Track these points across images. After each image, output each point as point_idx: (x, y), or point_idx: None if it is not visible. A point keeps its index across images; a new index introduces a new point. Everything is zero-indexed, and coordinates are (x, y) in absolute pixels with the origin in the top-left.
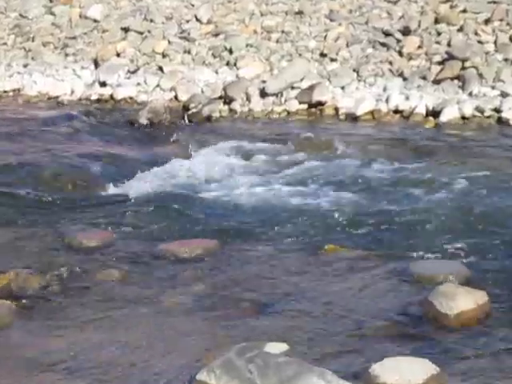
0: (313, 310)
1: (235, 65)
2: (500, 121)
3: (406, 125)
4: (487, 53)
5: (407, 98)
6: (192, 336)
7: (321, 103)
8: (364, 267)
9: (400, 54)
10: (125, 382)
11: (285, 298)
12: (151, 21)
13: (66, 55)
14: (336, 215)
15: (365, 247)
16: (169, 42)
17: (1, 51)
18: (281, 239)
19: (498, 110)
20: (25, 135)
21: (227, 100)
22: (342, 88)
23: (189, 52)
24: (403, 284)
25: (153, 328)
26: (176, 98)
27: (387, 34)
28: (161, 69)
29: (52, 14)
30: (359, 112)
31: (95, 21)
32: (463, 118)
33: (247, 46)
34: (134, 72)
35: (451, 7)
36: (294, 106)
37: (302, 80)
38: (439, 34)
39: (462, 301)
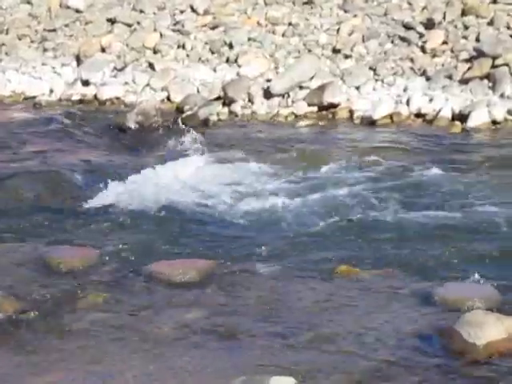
0: (323, 340)
1: (236, 61)
2: None
3: (429, 130)
4: None
5: (431, 100)
6: (184, 370)
7: (333, 105)
8: (381, 291)
9: (422, 50)
10: None
11: (290, 326)
12: (141, 11)
13: (45, 50)
14: (348, 232)
15: (382, 268)
16: (161, 36)
17: None
18: (286, 260)
19: None
20: None
21: (227, 101)
22: (357, 88)
23: (183, 47)
24: (425, 309)
25: (139, 361)
26: (168, 98)
27: (408, 27)
28: (151, 66)
29: (29, 3)
30: (376, 116)
31: (77, 11)
32: (494, 122)
33: (249, 40)
34: (121, 69)
35: None
36: (303, 108)
37: (311, 79)
38: (467, 27)
39: (491, 329)
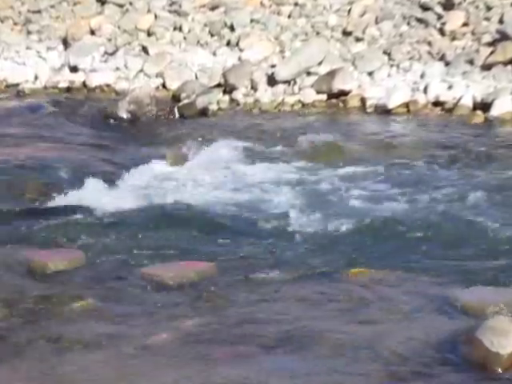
0: (334, 349)
1: (237, 45)
2: None
3: (448, 120)
4: None
5: (450, 87)
6: (180, 381)
7: (343, 93)
8: (397, 295)
9: (441, 32)
10: None
11: (296, 333)
12: None
13: (29, 33)
14: (361, 232)
15: (398, 270)
16: (155, 17)
17: None
18: (294, 262)
19: None
20: None
21: (227, 88)
22: (370, 74)
23: (180, 29)
24: (444, 315)
25: (131, 372)
26: (164, 85)
27: (425, 7)
28: (145, 50)
29: None
30: (391, 104)
31: None
32: None
33: (252, 21)
34: (112, 54)
35: None
36: (311, 96)
37: (319, 64)
38: (489, 8)
39: None
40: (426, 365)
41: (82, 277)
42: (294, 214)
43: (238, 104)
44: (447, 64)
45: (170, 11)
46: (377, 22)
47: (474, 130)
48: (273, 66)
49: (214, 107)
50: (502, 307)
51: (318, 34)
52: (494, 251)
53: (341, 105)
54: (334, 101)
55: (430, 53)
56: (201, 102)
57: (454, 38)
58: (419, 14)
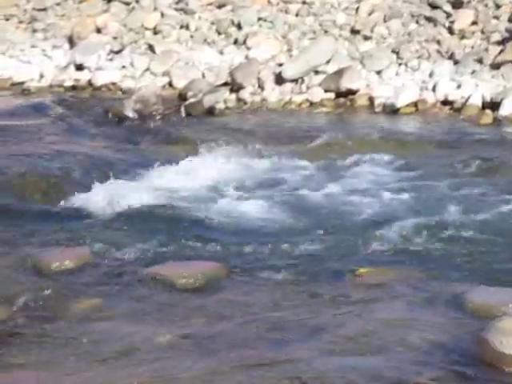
0: (342, 349)
1: (245, 43)
2: None
3: (456, 120)
4: None
5: (459, 87)
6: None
7: (351, 92)
8: (405, 294)
9: (450, 31)
10: None
11: (306, 335)
12: None
13: (34, 31)
14: (368, 231)
15: (405, 270)
16: (161, 15)
17: None
18: (303, 262)
19: None
20: None
21: (234, 87)
22: (378, 73)
23: (187, 27)
24: (453, 316)
25: (137, 374)
26: (170, 84)
27: (434, 6)
28: (151, 48)
29: None
30: (399, 103)
31: None
32: None
33: (260, 19)
34: (117, 52)
35: None
36: (318, 94)
37: (327, 63)
38: (498, 6)
39: None
40: (434, 365)
41: (88, 275)
42: (303, 214)
43: (245, 103)
44: (456, 63)
45: (176, 9)
46: (385, 20)
47: (482, 130)
48: (280, 65)
49: (220, 106)
50: (511, 307)
51: (326, 32)
52: (504, 251)
53: (349, 104)
54: (341, 100)
55: (438, 51)
56: (208, 101)
57: (462, 37)
58: (428, 12)
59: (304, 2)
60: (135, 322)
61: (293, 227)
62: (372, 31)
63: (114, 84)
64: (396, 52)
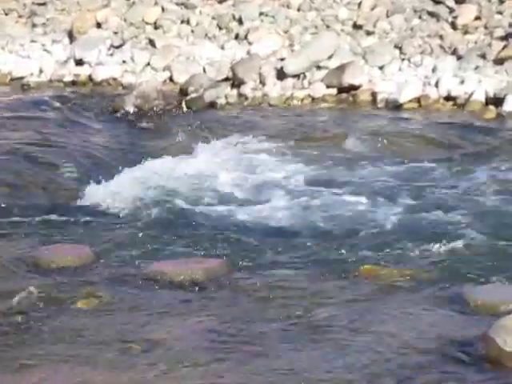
0: (346, 346)
1: (246, 38)
2: None
3: (459, 115)
4: None
5: (462, 82)
6: (191, 381)
7: (354, 87)
8: (409, 293)
9: (453, 26)
10: None
11: (308, 332)
12: None
13: (34, 26)
14: (373, 229)
15: (410, 268)
16: (162, 10)
17: None
18: (305, 259)
19: None
20: None
21: (236, 82)
22: (381, 68)
23: (187, 22)
24: (457, 314)
25: (139, 372)
26: (171, 79)
27: (437, 1)
28: (152, 43)
29: None
30: (402, 99)
31: None
32: None
33: (261, 14)
34: (118, 47)
35: None
36: (320, 90)
37: (329, 58)
38: (502, 1)
39: None
40: (439, 362)
41: (89, 273)
42: (305, 211)
43: (247, 98)
44: (459, 58)
45: (177, 4)
46: (388, 15)
47: (486, 126)
48: (282, 60)
49: (222, 101)
50: None
51: (328, 27)
52: (507, 251)
53: (351, 99)
54: (344, 95)
55: (441, 47)
56: (209, 96)
57: (466, 32)
58: (430, 7)
59: None
60: (137, 320)
61: (295, 224)
62: (374, 26)
63: (114, 79)
64: (399, 47)
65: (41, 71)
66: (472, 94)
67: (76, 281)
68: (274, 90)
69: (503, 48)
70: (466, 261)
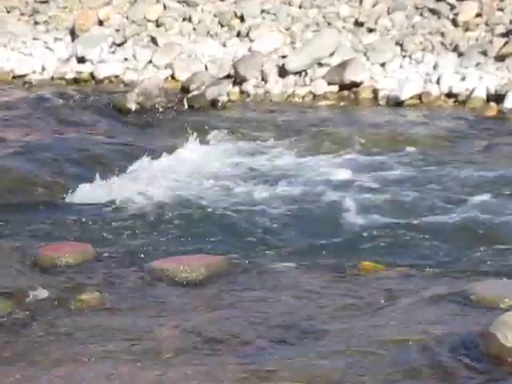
0: (346, 345)
1: (248, 36)
2: None
3: (461, 112)
4: None
5: (463, 79)
6: (190, 380)
7: (355, 84)
8: (409, 288)
9: (454, 23)
10: None
11: (310, 330)
12: None
13: (36, 23)
14: (372, 225)
15: (409, 263)
16: (164, 7)
17: None
18: (306, 254)
19: None
20: None
21: (238, 80)
22: (382, 65)
23: (189, 19)
24: (458, 309)
25: (139, 368)
26: (173, 77)
27: None
28: (154, 41)
29: None
30: (404, 96)
31: None
32: None
33: (263, 12)
34: (120, 45)
35: None
36: (322, 87)
37: (331, 55)
38: None
39: None
40: (440, 359)
41: (91, 270)
42: (306, 207)
43: (249, 95)
44: (460, 55)
45: (178, 1)
46: (389, 12)
47: (487, 122)
48: (283, 57)
49: (223, 99)
50: None
51: (329, 24)
52: (508, 245)
53: (352, 96)
54: (345, 92)
55: (442, 44)
56: (210, 94)
57: (467, 29)
58: (432, 4)
59: None
60: (138, 317)
61: (296, 220)
62: (376, 23)
63: (116, 77)
64: (400, 44)
65: (43, 69)
66: (473, 90)
67: (78, 278)
68: (276, 87)
69: (504, 45)
70: (468, 256)
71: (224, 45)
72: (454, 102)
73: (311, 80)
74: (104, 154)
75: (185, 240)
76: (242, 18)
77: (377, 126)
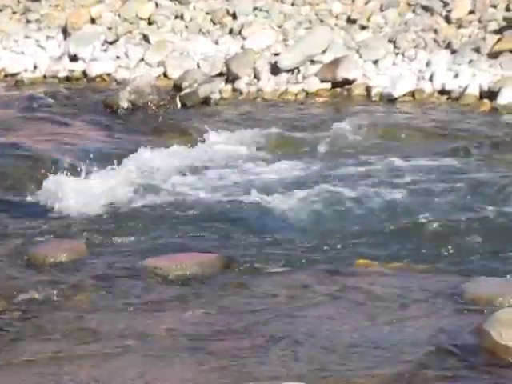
0: (339, 341)
1: (240, 33)
2: None
3: (454, 109)
4: None
5: (456, 76)
6: (184, 377)
7: (348, 82)
8: (404, 286)
9: (447, 20)
10: None
11: (303, 327)
12: None
13: (28, 22)
14: (366, 224)
15: (404, 261)
16: (156, 5)
17: None
18: (300, 252)
19: None
20: None
21: (230, 77)
22: (375, 63)
23: (181, 17)
24: (453, 307)
25: (132, 367)
26: (165, 75)
27: None
28: (146, 38)
29: None
30: (396, 93)
31: None
32: None
33: (255, 9)
34: (112, 43)
35: None
36: (315, 84)
37: (324, 53)
38: None
39: None
40: (433, 357)
41: (83, 269)
42: (300, 204)
43: (241, 93)
44: (453, 52)
45: None
46: (381, 9)
47: (480, 119)
48: (276, 55)
49: (216, 96)
50: (510, 298)
51: (321, 21)
52: (502, 242)
53: (345, 93)
54: (338, 90)
55: (435, 41)
56: (203, 91)
57: (460, 26)
58: (424, 1)
59: None
60: (132, 315)
61: (290, 218)
62: (368, 20)
63: (108, 75)
64: (392, 41)
65: (35, 67)
66: (466, 87)
67: (71, 276)
68: (269, 84)
69: (497, 41)
70: (463, 254)
71: (216, 42)
72: (447, 98)
73: (304, 77)
74: (95, 152)
75: (178, 237)
76: (234, 16)
77: (369, 124)
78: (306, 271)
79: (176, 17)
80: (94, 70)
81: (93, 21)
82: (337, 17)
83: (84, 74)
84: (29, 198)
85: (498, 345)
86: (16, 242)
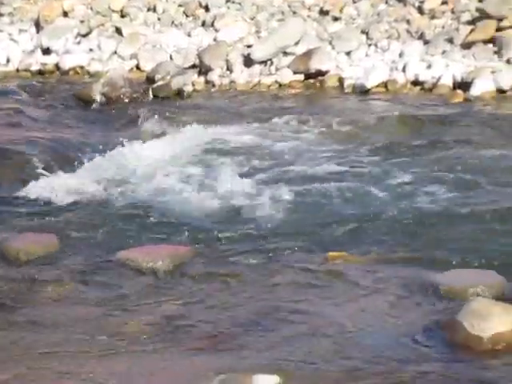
0: (311, 334)
1: (213, 25)
2: None
3: (427, 100)
4: None
5: (429, 67)
6: (156, 369)
7: (321, 73)
8: (376, 278)
9: (420, 10)
10: None
11: (275, 319)
12: None
13: (0, 15)
14: (339, 216)
15: (376, 254)
16: None
17: None
18: (273, 244)
19: None
20: None
21: (203, 70)
22: (348, 54)
23: (154, 9)
24: (425, 298)
25: (106, 359)
26: (138, 67)
27: None
28: (119, 31)
29: None
30: (369, 84)
31: None
32: (500, 91)
33: (228, 1)
34: (85, 35)
35: None
36: (287, 76)
37: (296, 44)
38: None
39: (497, 320)
40: (407, 349)
41: (55, 262)
42: (272, 195)
43: (214, 85)
44: (426, 43)
45: None
46: (354, 1)
47: (453, 110)
48: (249, 47)
49: (189, 88)
50: (482, 289)
51: (294, 13)
52: (474, 234)
53: (318, 85)
54: (311, 81)
55: (408, 31)
56: (176, 84)
57: (433, 17)
58: None
59: None
60: (105, 308)
61: (263, 209)
62: (341, 12)
63: (81, 67)
64: (365, 33)
65: (8, 61)
66: (439, 78)
67: (43, 270)
68: (241, 76)
69: (470, 32)
70: (435, 245)
71: (189, 34)
72: (421, 89)
73: (277, 69)
74: (68, 146)
75: (151, 230)
76: (206, 8)
77: (341, 114)
78: (277, 263)
79: (148, 9)
80: (67, 63)
81: (65, 14)
82: (309, 8)
83: (57, 67)
84: (2, 192)
85: (470, 336)
86: None
